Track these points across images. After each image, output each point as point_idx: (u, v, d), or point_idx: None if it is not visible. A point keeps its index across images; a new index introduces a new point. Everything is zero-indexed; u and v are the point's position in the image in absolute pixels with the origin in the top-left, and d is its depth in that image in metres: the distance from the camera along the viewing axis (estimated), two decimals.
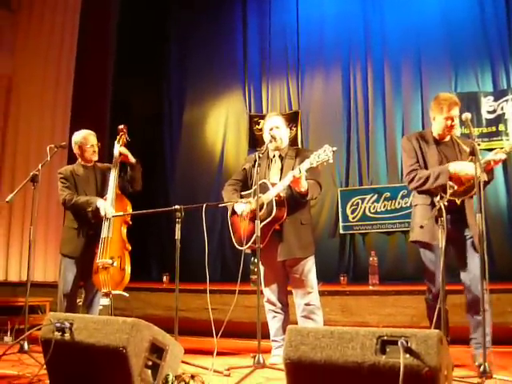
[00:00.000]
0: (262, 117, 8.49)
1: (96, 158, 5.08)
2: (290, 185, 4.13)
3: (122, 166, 5.06)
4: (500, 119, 6.96)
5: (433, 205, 3.90)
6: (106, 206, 4.75)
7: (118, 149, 5.04)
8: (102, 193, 4.96)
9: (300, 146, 8.01)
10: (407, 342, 2.28)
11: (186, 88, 9.26)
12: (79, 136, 5.04)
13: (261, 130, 8.38)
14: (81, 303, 5.30)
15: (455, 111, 4.02)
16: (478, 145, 3.73)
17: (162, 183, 9.10)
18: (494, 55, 7.26)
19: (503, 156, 3.80)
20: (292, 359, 2.51)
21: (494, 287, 4.16)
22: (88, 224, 4.81)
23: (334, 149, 3.95)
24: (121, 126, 5.18)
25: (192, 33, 9.16)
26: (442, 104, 4.04)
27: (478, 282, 3.68)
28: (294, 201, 4.22)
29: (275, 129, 4.44)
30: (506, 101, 7.05)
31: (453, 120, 4.02)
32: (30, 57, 8.38)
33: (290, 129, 7.69)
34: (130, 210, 4.90)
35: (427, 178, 3.99)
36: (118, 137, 5.12)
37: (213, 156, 8.95)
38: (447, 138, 4.15)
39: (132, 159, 5.02)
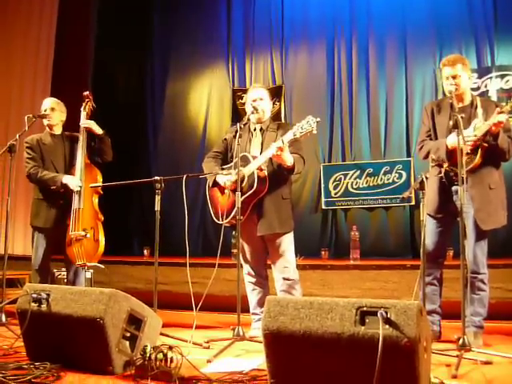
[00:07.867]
0: (246, 91, 8.34)
1: (48, 123, 4.93)
2: (274, 159, 4.06)
3: (92, 135, 4.93)
4: (483, 96, 6.92)
5: (440, 176, 3.91)
6: (73, 181, 4.69)
7: (83, 123, 4.90)
8: (70, 162, 4.88)
9: (284, 121, 7.96)
10: (387, 313, 2.27)
11: (169, 61, 9.14)
12: None
13: (244, 104, 8.33)
14: (60, 276, 5.26)
15: (446, 71, 3.93)
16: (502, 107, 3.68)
17: (144, 157, 9.02)
18: (479, 32, 7.20)
19: (502, 118, 3.64)
20: (271, 330, 2.49)
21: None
22: (56, 194, 4.72)
23: (318, 119, 3.89)
24: (86, 93, 5.06)
25: (176, 5, 9.02)
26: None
27: (473, 260, 3.74)
28: (277, 176, 4.17)
29: (258, 100, 4.37)
30: (490, 78, 7.03)
31: (448, 79, 3.91)
32: (9, 25, 8.22)
33: (274, 103, 7.61)
34: (100, 180, 4.82)
35: (429, 152, 3.97)
36: (83, 104, 4.98)
37: (195, 130, 8.86)
38: (466, 102, 4.00)
39: (98, 131, 4.88)
